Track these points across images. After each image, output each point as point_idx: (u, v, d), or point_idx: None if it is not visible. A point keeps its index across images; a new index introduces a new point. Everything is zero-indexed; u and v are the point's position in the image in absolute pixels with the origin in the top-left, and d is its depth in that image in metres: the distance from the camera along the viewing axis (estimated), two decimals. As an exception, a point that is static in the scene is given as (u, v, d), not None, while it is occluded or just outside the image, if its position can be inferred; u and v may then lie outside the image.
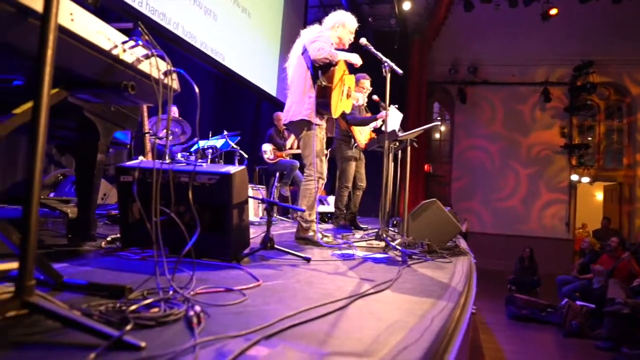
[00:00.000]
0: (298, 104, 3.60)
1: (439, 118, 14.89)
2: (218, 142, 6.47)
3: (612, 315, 5.96)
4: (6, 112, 1.36)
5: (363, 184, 5.51)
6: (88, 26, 1.36)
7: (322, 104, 3.56)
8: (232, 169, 2.42)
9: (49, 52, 1.06)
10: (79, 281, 1.52)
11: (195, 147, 6.37)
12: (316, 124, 3.58)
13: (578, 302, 6.85)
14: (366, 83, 5.46)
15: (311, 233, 3.51)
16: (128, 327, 1.11)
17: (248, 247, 2.60)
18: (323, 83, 3.50)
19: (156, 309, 1.31)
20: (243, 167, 2.51)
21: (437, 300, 1.76)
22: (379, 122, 5.67)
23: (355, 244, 3.53)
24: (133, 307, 1.26)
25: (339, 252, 3.06)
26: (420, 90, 12.23)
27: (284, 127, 7.39)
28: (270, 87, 9.07)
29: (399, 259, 2.98)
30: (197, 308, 1.29)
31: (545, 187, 13.47)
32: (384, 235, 3.41)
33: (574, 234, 13.23)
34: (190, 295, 1.49)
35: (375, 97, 5.53)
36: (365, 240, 3.68)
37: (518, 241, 11.91)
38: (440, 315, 1.52)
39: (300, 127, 3.62)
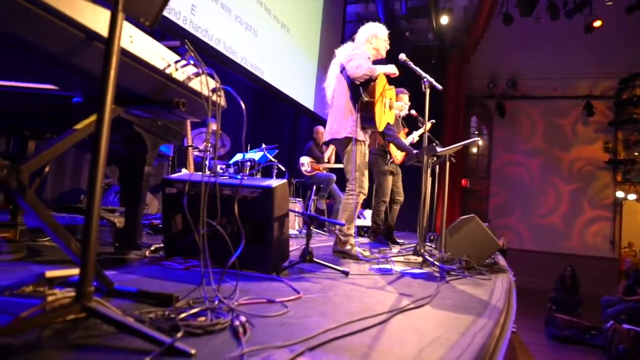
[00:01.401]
0: (340, 121, 3.63)
1: (476, 132, 14.69)
2: (256, 156, 6.58)
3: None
4: (67, 128, 1.45)
5: (401, 198, 5.49)
6: (145, 47, 1.44)
7: (367, 118, 3.59)
8: (274, 182, 2.47)
9: (112, 73, 1.14)
10: (129, 288, 1.59)
11: (235, 159, 6.51)
12: (360, 140, 3.61)
13: (625, 325, 6.58)
14: (405, 98, 5.48)
15: (349, 247, 3.53)
16: (179, 335, 1.16)
17: (287, 260, 2.64)
18: (365, 99, 3.53)
19: (203, 318, 1.36)
20: (284, 180, 2.56)
21: (478, 317, 1.75)
22: (415, 138, 5.67)
23: (392, 258, 3.53)
24: (182, 315, 1.31)
25: (376, 266, 3.06)
26: (459, 105, 12.12)
27: (323, 141, 7.46)
28: (308, 101, 9.18)
29: (437, 274, 2.96)
30: (243, 318, 1.33)
31: (588, 204, 13.06)
32: (422, 251, 3.40)
33: (619, 253, 12.73)
34: (234, 306, 1.53)
35: (413, 111, 5.52)
36: (403, 255, 3.67)
37: (558, 259, 11.53)
38: (482, 332, 1.52)
39: (344, 144, 3.65)
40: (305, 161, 7.21)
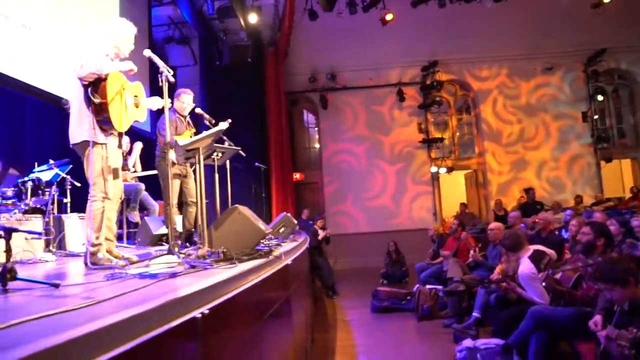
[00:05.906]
0: (76, 125, 3.43)
1: (314, 126, 15.22)
2: (45, 175, 6.00)
3: (451, 294, 6.36)
4: None
5: (193, 199, 5.31)
6: None
7: (102, 120, 3.41)
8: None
9: None
10: None
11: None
12: (100, 143, 3.42)
13: (428, 286, 7.23)
14: (187, 98, 5.35)
15: (100, 256, 3.32)
16: None
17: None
18: (96, 100, 3.34)
19: None
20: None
21: (128, 309, 1.67)
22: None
23: (153, 260, 3.40)
24: None
25: (110, 272, 2.90)
26: (280, 100, 12.35)
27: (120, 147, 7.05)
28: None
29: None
30: None
31: (411, 181, 14.22)
32: (175, 249, 3.32)
33: (442, 222, 14.04)
34: None
35: (198, 110, 5.43)
36: (163, 256, 3.55)
37: (391, 236, 12.22)
38: (101, 322, 1.43)
39: (83, 148, 3.44)
40: (107, 173, 6.73)
